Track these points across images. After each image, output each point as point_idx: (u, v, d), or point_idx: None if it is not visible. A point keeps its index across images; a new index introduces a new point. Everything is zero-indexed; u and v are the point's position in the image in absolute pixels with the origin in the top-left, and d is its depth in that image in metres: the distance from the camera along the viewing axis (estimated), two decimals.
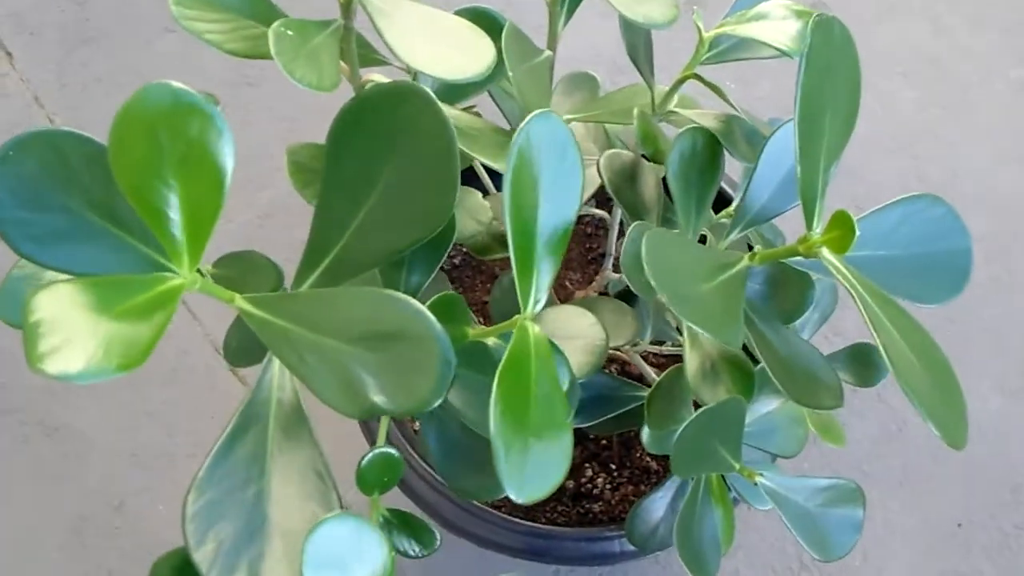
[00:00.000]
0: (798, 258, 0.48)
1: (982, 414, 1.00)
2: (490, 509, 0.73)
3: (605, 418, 0.59)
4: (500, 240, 0.62)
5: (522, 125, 0.38)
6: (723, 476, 0.61)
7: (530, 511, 0.80)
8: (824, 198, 0.44)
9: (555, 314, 0.53)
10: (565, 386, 0.45)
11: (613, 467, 0.81)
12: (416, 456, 0.74)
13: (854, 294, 0.42)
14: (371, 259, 0.43)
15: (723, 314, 0.40)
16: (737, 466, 0.51)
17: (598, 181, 0.56)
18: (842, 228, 0.42)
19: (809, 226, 0.44)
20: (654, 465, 0.80)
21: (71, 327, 0.32)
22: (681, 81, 0.57)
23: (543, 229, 0.39)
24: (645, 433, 0.60)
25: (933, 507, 0.96)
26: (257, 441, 0.42)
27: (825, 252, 0.43)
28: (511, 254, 0.39)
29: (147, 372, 1.07)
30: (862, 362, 0.67)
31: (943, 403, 0.40)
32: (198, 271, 0.39)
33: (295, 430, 0.43)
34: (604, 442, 0.82)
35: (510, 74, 0.46)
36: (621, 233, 0.70)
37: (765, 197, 0.49)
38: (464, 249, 0.89)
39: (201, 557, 0.39)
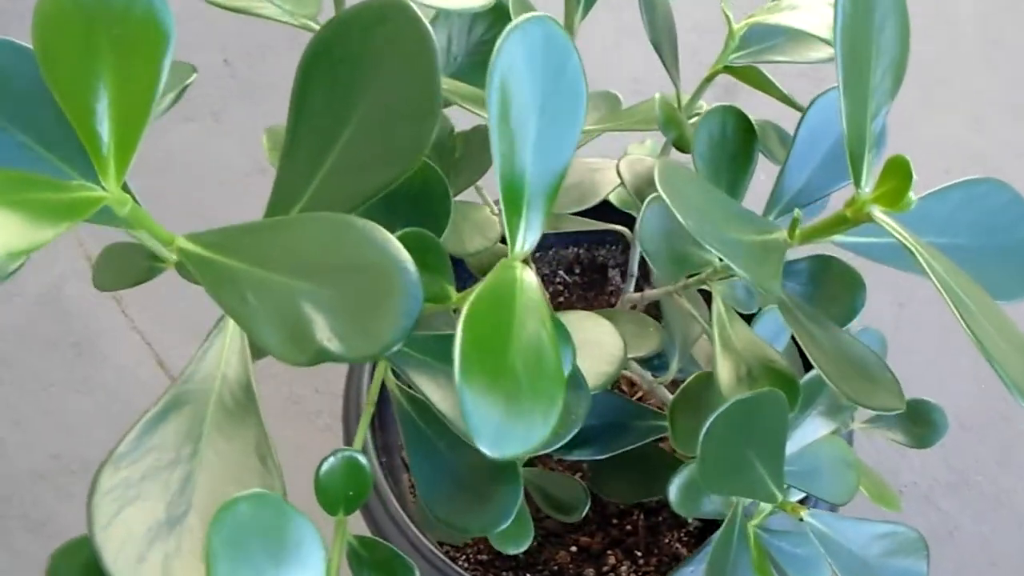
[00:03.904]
0: (847, 239, 0.41)
1: None
2: None
3: (622, 451, 0.51)
4: None
5: (511, 26, 0.32)
6: (762, 544, 0.52)
7: None
8: (873, 151, 0.37)
9: (566, 319, 0.46)
10: (567, 369, 0.38)
11: (639, 554, 0.71)
12: (413, 528, 0.66)
13: (918, 255, 0.35)
14: (344, 207, 0.37)
15: (763, 262, 0.33)
16: (779, 495, 0.42)
17: (615, 182, 0.50)
18: (896, 178, 0.35)
19: (857, 183, 0.37)
20: (684, 552, 0.71)
21: None
22: (710, 78, 0.52)
23: (536, 153, 0.33)
24: (673, 488, 0.51)
25: None
26: (193, 417, 0.35)
27: (878, 212, 0.36)
28: (498, 186, 0.33)
29: None
30: (916, 420, 0.59)
31: None
32: (128, 194, 0.33)
33: (239, 409, 0.36)
34: (629, 527, 0.72)
35: None
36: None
37: (804, 177, 0.43)
38: None
39: (103, 540, 0.31)
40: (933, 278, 0.34)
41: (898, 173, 0.35)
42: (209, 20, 1.29)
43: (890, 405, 0.38)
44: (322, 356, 0.31)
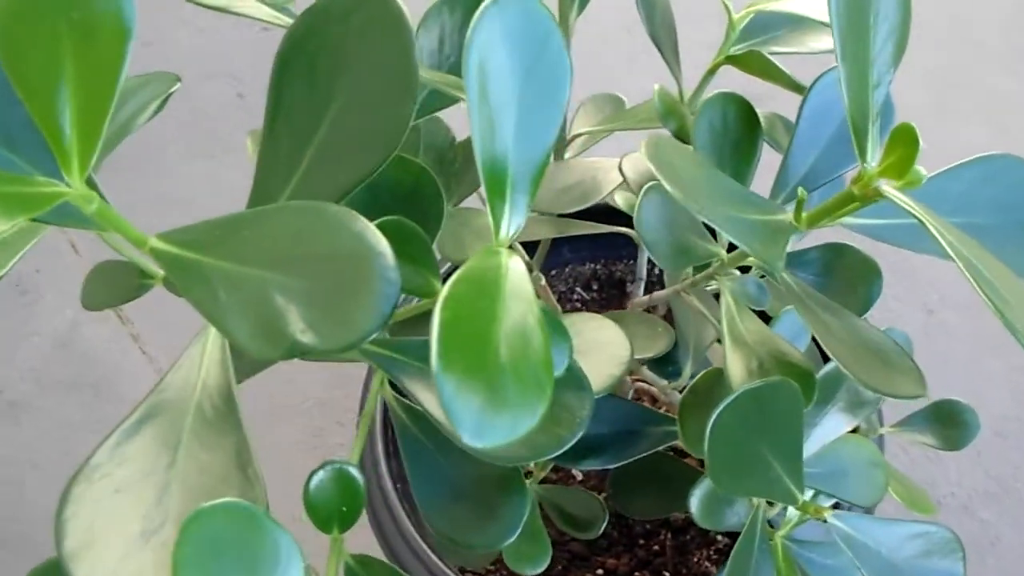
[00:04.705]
0: (858, 221, 0.39)
1: None
2: None
3: (634, 459, 0.49)
4: None
5: (487, 2, 0.31)
6: (790, 556, 0.49)
7: None
8: (877, 124, 0.35)
9: (569, 321, 0.44)
10: (561, 368, 0.36)
11: (667, 575, 0.68)
12: (430, 554, 0.63)
13: (932, 228, 0.32)
14: (326, 199, 0.35)
15: (768, 241, 0.31)
16: (798, 494, 0.40)
17: (618, 180, 0.48)
18: (902, 146, 0.33)
19: (863, 157, 0.35)
20: (713, 570, 0.68)
21: None
22: (712, 70, 0.50)
23: (519, 132, 0.32)
24: (695, 499, 0.49)
25: None
26: (171, 426, 0.34)
27: (885, 186, 0.34)
28: (479, 169, 0.32)
29: None
30: (947, 421, 0.56)
31: None
32: (95, 191, 0.31)
33: (219, 418, 0.34)
34: (656, 548, 0.70)
35: None
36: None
37: (811, 159, 0.41)
38: None
39: (73, 557, 0.30)
40: (950, 251, 0.32)
41: (904, 140, 0.33)
42: (221, 55, 1.30)
43: (910, 391, 0.36)
44: (296, 349, 0.29)
